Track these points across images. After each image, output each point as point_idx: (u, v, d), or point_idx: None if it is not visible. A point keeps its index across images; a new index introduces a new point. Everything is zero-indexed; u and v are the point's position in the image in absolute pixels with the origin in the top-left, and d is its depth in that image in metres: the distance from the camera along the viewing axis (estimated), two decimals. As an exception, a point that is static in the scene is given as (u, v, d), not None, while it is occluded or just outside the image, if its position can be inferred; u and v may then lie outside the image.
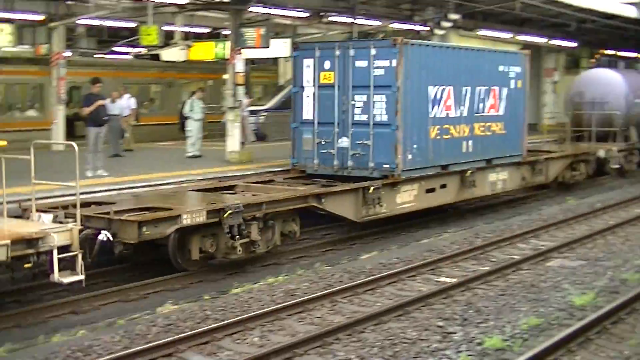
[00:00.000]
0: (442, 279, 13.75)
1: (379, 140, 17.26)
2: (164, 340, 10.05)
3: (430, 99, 18.14)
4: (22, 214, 12.86)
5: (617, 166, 26.43)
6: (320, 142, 17.94)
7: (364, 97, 17.38)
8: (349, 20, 26.44)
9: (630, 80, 28.71)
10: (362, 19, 26.89)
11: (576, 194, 24.18)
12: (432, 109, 18.24)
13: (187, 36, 24.44)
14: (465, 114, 19.31)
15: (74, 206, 12.07)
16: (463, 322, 11.09)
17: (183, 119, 23.79)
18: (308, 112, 18.12)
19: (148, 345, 9.90)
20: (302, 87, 18.19)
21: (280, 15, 25.37)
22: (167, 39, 23.43)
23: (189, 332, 10.42)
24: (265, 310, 11.47)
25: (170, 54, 24.20)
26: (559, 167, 24.14)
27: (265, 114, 28.77)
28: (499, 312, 11.51)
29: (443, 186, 19.07)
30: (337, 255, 15.98)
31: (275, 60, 32.70)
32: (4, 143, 14.25)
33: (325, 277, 13.60)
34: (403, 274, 13.79)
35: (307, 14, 26.04)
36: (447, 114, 18.73)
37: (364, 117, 17.39)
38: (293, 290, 12.69)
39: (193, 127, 22.44)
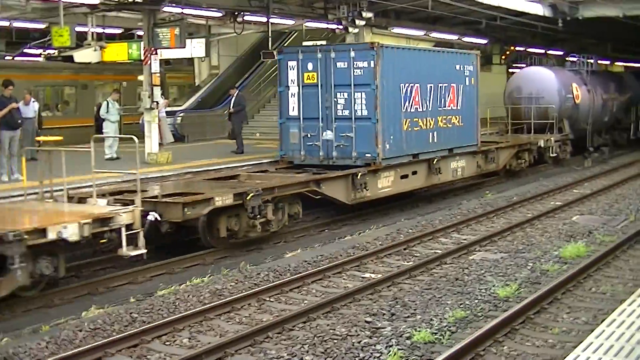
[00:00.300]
0: (367, 275, 13.84)
1: (361, 132, 19.35)
2: (92, 345, 9.91)
3: (402, 95, 20.29)
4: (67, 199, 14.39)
5: (554, 155, 28.95)
6: (306, 135, 19.87)
7: (346, 95, 19.42)
8: (264, 19, 26.36)
9: (561, 77, 31.43)
10: (276, 18, 26.84)
11: (494, 188, 24.60)
12: (404, 104, 20.41)
13: (100, 37, 24.04)
14: (430, 108, 21.50)
15: (111, 193, 14.93)
16: (391, 317, 11.18)
17: (99, 121, 23.39)
18: (293, 109, 20.04)
19: (76, 350, 9.73)
20: (287, 87, 20.07)
21: (194, 15, 25.15)
22: (80, 40, 23.00)
23: (117, 336, 10.29)
24: (193, 311, 11.41)
25: (83, 56, 23.73)
26: (507, 155, 26.51)
27: (182, 114, 28.51)
28: (426, 306, 11.62)
29: (414, 173, 21.34)
30: (261, 255, 15.92)
31: (190, 61, 32.43)
32: (60, 138, 15.57)
33: (251, 276, 13.54)
34: (328, 271, 13.84)
35: (221, 14, 25.88)
36: (416, 108, 20.91)
37: (346, 112, 19.45)
38: (220, 291, 12.62)
39: (109, 129, 22.09)
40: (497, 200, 21.60)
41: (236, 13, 25.59)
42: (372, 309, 11.54)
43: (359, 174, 18.79)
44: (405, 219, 19.35)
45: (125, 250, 12.93)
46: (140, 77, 24.14)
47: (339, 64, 19.42)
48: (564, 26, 34.04)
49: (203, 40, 26.92)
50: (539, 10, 32.81)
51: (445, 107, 22.21)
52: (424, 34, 32.03)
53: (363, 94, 19.24)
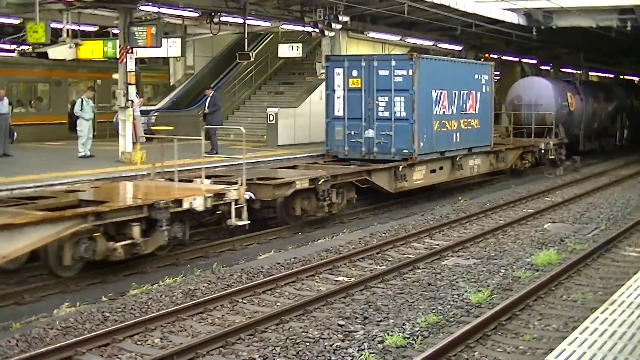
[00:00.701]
0: (340, 278, 13.87)
1: (399, 131, 22.13)
2: (62, 343, 9.86)
3: (433, 100, 23.08)
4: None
5: (552, 157, 31.31)
6: (350, 133, 22.60)
7: (386, 99, 22.16)
8: (240, 21, 26.32)
9: (557, 86, 34.42)
10: (252, 19, 26.81)
11: (467, 194, 24.72)
12: (434, 107, 23.20)
13: (75, 34, 23.88)
14: (454, 112, 24.33)
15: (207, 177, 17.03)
16: (363, 320, 11.21)
17: (73, 118, 23.21)
18: (339, 110, 22.80)
19: (46, 348, 9.67)
20: (334, 90, 22.81)
21: (170, 15, 25.05)
22: (55, 37, 22.84)
23: (88, 335, 10.25)
24: (165, 311, 11.39)
25: (58, 52, 23.53)
26: (513, 156, 29.31)
27: (156, 114, 28.38)
28: (399, 311, 11.66)
29: (441, 168, 24.12)
30: (234, 256, 15.90)
31: (166, 60, 32.31)
32: (171, 128, 18.68)
33: (224, 277, 13.53)
34: (301, 273, 13.86)
35: (198, 14, 25.81)
36: (444, 111, 23.73)
37: (386, 114, 22.25)
38: (192, 291, 12.59)
39: (83, 127, 21.91)
40: (470, 207, 21.70)
41: (213, 14, 25.54)
42: (344, 313, 11.56)
43: (400, 167, 21.79)
44: (378, 224, 19.39)
45: (233, 221, 15.83)
46: (115, 76, 24.02)
47: (381, 72, 22.15)
48: (538, 35, 34.34)
49: (179, 40, 26.86)
50: (514, 18, 33.07)
51: (466, 111, 25.11)
52: (400, 39, 32.13)
53: (402, 98, 22.02)
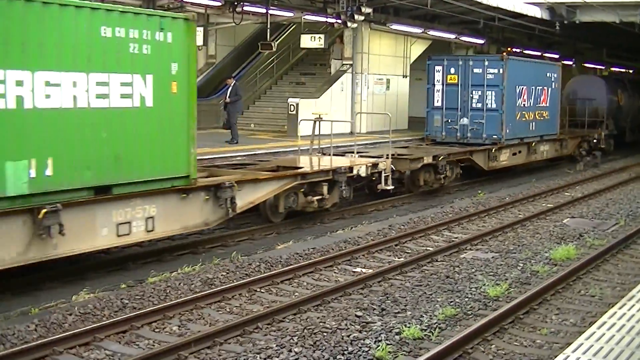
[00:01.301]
0: (358, 269, 13.88)
1: (490, 120, 26.29)
2: (81, 329, 9.93)
3: (516, 94, 27.14)
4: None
5: (603, 146, 34.60)
6: (447, 121, 26.71)
7: (479, 92, 26.31)
8: (263, 10, 26.37)
9: (608, 83, 38.21)
10: (275, 9, 26.85)
11: (486, 188, 24.67)
12: (517, 100, 27.26)
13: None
14: (532, 104, 28.55)
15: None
16: (381, 312, 11.23)
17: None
18: (437, 101, 26.89)
19: (65, 334, 9.75)
20: (434, 85, 26.88)
21: (193, 3, 25.13)
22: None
23: (107, 321, 10.31)
24: (184, 299, 11.44)
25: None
26: (573, 144, 33.10)
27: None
28: (416, 303, 11.68)
29: (519, 152, 28.27)
30: (253, 245, 15.93)
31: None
32: (327, 112, 21.59)
33: (243, 266, 13.56)
34: (320, 264, 13.87)
35: (220, 3, 25.87)
36: (524, 104, 27.90)
37: (479, 105, 26.39)
38: (211, 280, 12.65)
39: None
40: (489, 200, 21.67)
41: (235, 3, 25.61)
42: (362, 304, 11.59)
43: (493, 149, 26.01)
44: (397, 216, 19.41)
45: (383, 185, 19.87)
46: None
47: (475, 70, 26.29)
48: (560, 29, 34.20)
49: (201, 29, 26.93)
50: (537, 12, 32.95)
51: (540, 104, 29.24)
52: (422, 32, 32.06)
53: (493, 92, 26.21)
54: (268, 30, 26.66)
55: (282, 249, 15.33)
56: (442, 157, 22.81)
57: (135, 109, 12.96)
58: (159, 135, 13.47)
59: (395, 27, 30.50)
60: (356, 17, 26.94)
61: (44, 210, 11.45)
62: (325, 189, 18.02)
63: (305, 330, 10.28)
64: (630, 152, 37.11)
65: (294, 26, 32.95)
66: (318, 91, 28.83)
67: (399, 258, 14.72)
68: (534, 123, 28.80)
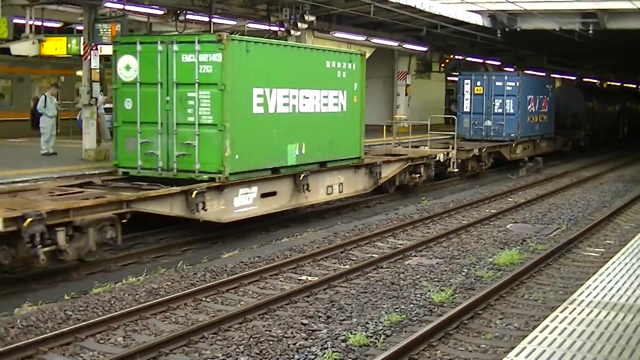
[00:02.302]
0: (304, 277, 13.89)
1: (509, 122, 32.52)
2: (24, 342, 9.79)
3: (527, 101, 33.69)
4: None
5: (582, 144, 42.52)
6: (474, 122, 32.56)
7: (500, 101, 32.44)
8: (206, 19, 26.22)
9: (585, 92, 44.90)
10: (218, 18, 26.71)
11: (430, 195, 24.84)
12: (528, 106, 33.99)
13: (38, 30, 23.65)
14: (536, 110, 35.10)
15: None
16: (327, 319, 11.26)
17: (36, 115, 23.00)
18: (466, 107, 32.85)
19: (7, 347, 9.60)
20: (463, 95, 33.03)
21: (135, 12, 24.88)
22: (18, 33, 22.62)
23: (50, 333, 10.18)
24: (129, 309, 11.35)
25: (21, 48, 23.32)
26: (563, 141, 40.16)
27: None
28: (362, 310, 11.73)
29: (528, 147, 34.87)
30: (198, 255, 15.84)
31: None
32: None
33: (188, 276, 13.51)
34: (265, 272, 13.87)
35: (163, 12, 25.66)
36: (532, 109, 34.55)
37: (499, 110, 32.47)
38: (156, 290, 12.57)
39: (47, 124, 21.73)
40: (434, 207, 21.84)
41: (178, 11, 25.40)
42: (308, 312, 11.60)
43: (512, 144, 32.59)
44: (342, 223, 19.44)
45: (451, 168, 26.97)
46: (79, 73, 23.84)
47: (497, 83, 32.57)
48: (502, 37, 34.60)
49: (144, 37, 26.69)
50: (478, 20, 33.29)
51: (542, 109, 35.63)
52: (365, 39, 32.18)
53: (511, 100, 32.40)
54: (211, 38, 26.49)
55: (227, 257, 15.29)
56: (484, 149, 30.08)
57: (340, 113, 20.44)
58: (348, 130, 20.88)
59: (338, 35, 30.54)
60: (299, 25, 26.91)
61: (302, 174, 18.76)
62: (422, 169, 24.59)
63: (251, 339, 10.26)
64: (603, 151, 38.29)
65: (237, 34, 32.82)
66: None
67: (344, 265, 14.76)
68: (537, 125, 35.23)
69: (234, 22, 27.76)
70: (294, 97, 18.27)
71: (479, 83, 32.81)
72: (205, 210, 15.73)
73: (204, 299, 12.27)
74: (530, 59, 49.76)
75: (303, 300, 12.30)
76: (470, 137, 32.33)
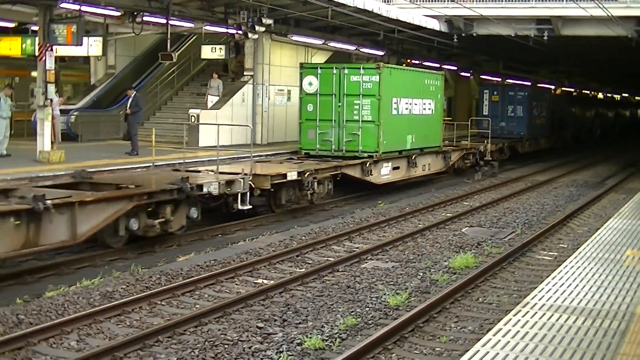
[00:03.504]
0: (260, 280, 13.88)
1: (519, 122, 40.45)
2: (-26, 346, 9.65)
3: (533, 107, 41.73)
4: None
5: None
6: (493, 124, 37.56)
7: (512, 106, 40.39)
8: (163, 21, 26.11)
9: (568, 98, 54.36)
10: (176, 20, 26.60)
11: (386, 198, 24.93)
12: (533, 111, 41.83)
13: (-8, 30, 23.41)
14: (539, 114, 43.55)
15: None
16: (282, 323, 11.26)
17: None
18: (486, 112, 39.93)
19: (-43, 351, 9.48)
20: (483, 102, 40.70)
21: (92, 13, 24.69)
22: (-29, 33, 22.36)
23: (1, 338, 10.02)
24: (82, 313, 11.23)
25: (-26, 48, 23.05)
26: (545, 140, 46.20)
27: (76, 113, 27.95)
28: (317, 313, 11.74)
29: (535, 142, 43.14)
30: (153, 258, 15.73)
31: (86, 59, 31.83)
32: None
33: (143, 279, 13.41)
34: (221, 275, 13.83)
35: (120, 13, 25.51)
36: (536, 114, 42.53)
37: (512, 114, 40.19)
38: (110, 293, 12.46)
39: (0, 125, 21.47)
40: (390, 210, 21.92)
41: (135, 13, 25.28)
42: (264, 315, 11.60)
43: (523, 140, 40.49)
44: (298, 226, 19.43)
45: (486, 158, 33.35)
46: (34, 73, 23.59)
47: (510, 93, 41.17)
48: (459, 42, 34.91)
49: (100, 38, 26.53)
50: (435, 25, 33.56)
51: (542, 113, 43.44)
52: (323, 43, 32.27)
53: (521, 106, 40.39)
54: (168, 40, 26.36)
55: (183, 261, 15.21)
56: (505, 143, 37.91)
57: (431, 114, 28.96)
58: (434, 126, 29.40)
59: (296, 38, 30.61)
60: (257, 28, 26.94)
61: (414, 155, 27.51)
62: (471, 157, 33.12)
63: (207, 343, 10.24)
64: (525, 163, 38.33)
65: (194, 37, 32.73)
66: (219, 102, 28.68)
67: (300, 269, 14.77)
68: (539, 126, 43.01)
69: (191, 25, 27.65)
70: (409, 103, 27.05)
71: (495, 92, 40.85)
72: (372, 175, 24.74)
73: (159, 302, 12.20)
74: (487, 64, 50.26)
75: (259, 304, 12.29)
76: (489, 134, 36.27)
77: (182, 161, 20.68)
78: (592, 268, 9.03)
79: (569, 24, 32.64)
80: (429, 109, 28.70)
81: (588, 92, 73.07)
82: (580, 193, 27.49)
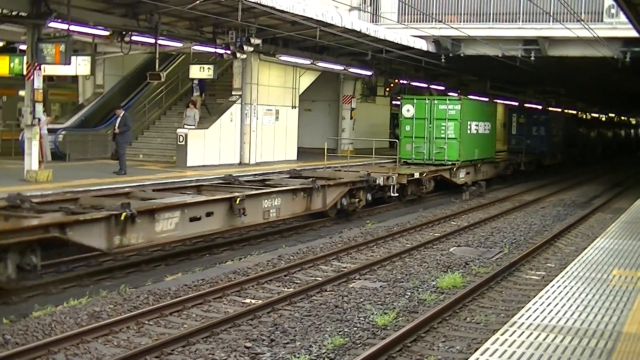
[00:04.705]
0: (247, 300, 13.85)
1: (540, 141, 46.10)
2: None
3: (553, 128, 48.50)
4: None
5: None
6: (517, 142, 44.80)
7: (536, 127, 46.06)
8: (151, 40, 26.14)
9: (577, 121, 59.72)
10: (164, 39, 26.63)
11: (374, 218, 24.96)
12: (553, 132, 48.27)
13: (-21, 49, 23.37)
14: (556, 134, 49.27)
15: None
16: (270, 342, 11.24)
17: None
18: (514, 132, 46.33)
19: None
20: (511, 123, 46.68)
21: (80, 32, 24.69)
22: (-41, 51, 22.33)
23: (-13, 358, 10.00)
24: (69, 333, 11.19)
25: (-38, 67, 23.00)
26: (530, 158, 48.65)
27: (64, 132, 27.94)
28: (305, 333, 11.73)
29: (555, 157, 50.05)
30: (141, 277, 15.70)
31: (74, 78, 31.85)
32: None
33: (131, 298, 13.38)
34: (209, 295, 13.80)
35: (108, 33, 25.51)
36: (555, 134, 48.76)
37: (536, 134, 45.92)
38: (98, 313, 12.42)
39: (-13, 144, 21.48)
40: (378, 230, 21.93)
41: (124, 32, 25.28)
42: (251, 335, 11.58)
43: (544, 155, 46.63)
44: (286, 246, 19.42)
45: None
46: (22, 92, 23.57)
47: (534, 117, 47.17)
48: (446, 62, 35.07)
49: (88, 58, 26.50)
50: (423, 45, 33.72)
51: (558, 133, 49.80)
52: (311, 63, 32.37)
53: (544, 127, 46.33)
54: (157, 60, 26.38)
55: (170, 280, 15.18)
56: (530, 158, 43.60)
57: (487, 133, 35.80)
58: (489, 142, 36.33)
59: (284, 58, 30.68)
60: (245, 48, 26.99)
61: (479, 164, 34.98)
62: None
63: (194, 363, 10.20)
64: (512, 183, 38.50)
65: (183, 56, 32.79)
66: (207, 121, 28.72)
67: (288, 288, 14.75)
68: (557, 144, 49.04)
69: (180, 44, 27.68)
70: (477, 125, 34.36)
71: (522, 116, 47.03)
72: (456, 177, 32.07)
73: (146, 322, 12.17)
74: (474, 84, 50.45)
75: (247, 324, 12.27)
76: (515, 150, 44.12)
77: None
78: (579, 287, 9.06)
79: (555, 45, 32.88)
80: (487, 129, 36.02)
81: (594, 115, 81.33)
82: (568, 213, 27.58)
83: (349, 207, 24.06)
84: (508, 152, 43.39)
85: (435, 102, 32.52)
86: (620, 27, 29.95)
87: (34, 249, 13.49)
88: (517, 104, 54.53)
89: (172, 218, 16.24)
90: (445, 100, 32.96)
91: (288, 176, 24.00)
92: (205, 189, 19.63)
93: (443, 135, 31.89)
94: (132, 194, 17.71)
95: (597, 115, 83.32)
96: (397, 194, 26.88)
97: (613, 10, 30.55)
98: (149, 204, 16.08)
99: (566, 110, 67.55)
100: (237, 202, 17.95)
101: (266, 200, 19.55)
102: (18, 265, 13.14)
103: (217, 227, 17.91)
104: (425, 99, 32.85)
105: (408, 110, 32.47)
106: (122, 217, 14.60)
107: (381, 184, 25.58)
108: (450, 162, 31.82)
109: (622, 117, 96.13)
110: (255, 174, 24.50)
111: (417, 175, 28.66)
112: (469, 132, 33.00)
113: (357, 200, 24.37)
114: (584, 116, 73.89)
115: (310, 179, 22.27)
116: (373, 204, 26.14)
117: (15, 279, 13.27)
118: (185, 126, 27.55)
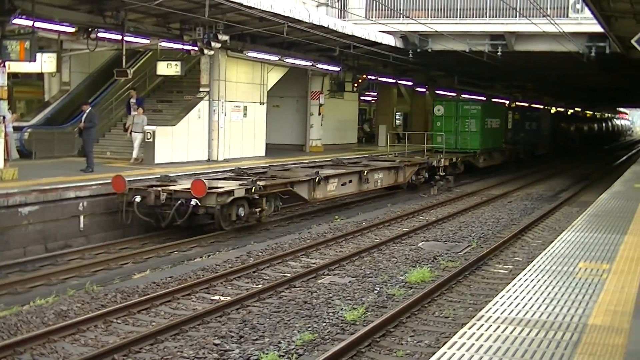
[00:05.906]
0: (216, 297, 13.83)
1: (536, 135, 53.32)
2: None
3: (556, 123, 63.14)
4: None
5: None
6: (512, 136, 49.48)
7: (529, 122, 52.84)
8: (118, 37, 25.97)
9: (534, 115, 57.65)
10: (131, 36, 26.46)
11: (343, 214, 24.98)
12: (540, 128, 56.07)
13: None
14: (537, 129, 55.36)
15: None
16: (239, 339, 11.22)
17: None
18: (510, 127, 48.39)
19: None
20: (508, 120, 48.32)
21: (45, 29, 24.47)
22: None
23: (-49, 359, 9.93)
24: (36, 332, 11.09)
25: None
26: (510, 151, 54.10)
27: (30, 130, 27.68)
28: (274, 329, 11.72)
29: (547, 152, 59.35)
30: (109, 275, 15.62)
31: (40, 76, 31.54)
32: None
33: (98, 297, 13.30)
34: (177, 292, 13.75)
35: (74, 29, 25.30)
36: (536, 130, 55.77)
37: (529, 129, 52.58)
38: (65, 312, 12.34)
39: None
40: (346, 225, 21.96)
41: (90, 29, 25.09)
42: (220, 332, 11.56)
43: (536, 145, 54.06)
44: (255, 242, 19.38)
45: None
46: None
47: (528, 113, 54.49)
48: (414, 57, 35.15)
49: (54, 55, 26.30)
50: (391, 41, 33.80)
51: (546, 127, 56.75)
52: (279, 59, 32.32)
53: (536, 123, 53.01)
54: (124, 57, 26.21)
55: (139, 278, 15.11)
56: (527, 149, 50.77)
57: (497, 127, 43.30)
58: (499, 135, 44.03)
59: (252, 54, 30.61)
60: (213, 44, 26.90)
61: (491, 152, 42.50)
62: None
63: (163, 360, 10.16)
64: (480, 177, 38.70)
65: (150, 53, 32.60)
66: (175, 118, 28.56)
67: (257, 285, 14.74)
68: (545, 137, 55.18)
69: (147, 41, 27.51)
70: (491, 121, 41.11)
71: (517, 113, 51.64)
72: (477, 162, 39.22)
73: (114, 320, 12.11)
74: (442, 79, 50.65)
75: (215, 321, 12.24)
76: (510, 142, 48.61)
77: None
78: (545, 280, 9.11)
79: (522, 40, 33.09)
80: (497, 124, 43.02)
81: (572, 110, 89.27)
82: (535, 206, 27.78)
83: (416, 182, 31.83)
84: (505, 144, 47.04)
85: (461, 103, 40.46)
86: (585, 22, 30.23)
87: (279, 198, 21.79)
88: (484, 98, 54.51)
89: (334, 182, 25.02)
90: (469, 102, 42.18)
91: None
92: (336, 165, 28.46)
93: (467, 129, 38.96)
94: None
95: (572, 110, 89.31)
96: (444, 173, 33.36)
97: (578, 6, 30.85)
98: (326, 173, 24.61)
99: (552, 108, 74.29)
100: (365, 173, 27.07)
101: (375, 174, 28.20)
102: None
103: (353, 191, 26.83)
104: (452, 101, 42.05)
105: (439, 109, 39.34)
106: (317, 180, 23.36)
107: (434, 165, 32.78)
108: (472, 151, 38.88)
109: (597, 113, 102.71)
110: (229, 169, 24.46)
111: (454, 159, 35.92)
112: (486, 127, 40.21)
113: (421, 177, 32.09)
114: (567, 113, 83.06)
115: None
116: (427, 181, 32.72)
117: (271, 214, 22.07)
118: (133, 133, 27.04)
